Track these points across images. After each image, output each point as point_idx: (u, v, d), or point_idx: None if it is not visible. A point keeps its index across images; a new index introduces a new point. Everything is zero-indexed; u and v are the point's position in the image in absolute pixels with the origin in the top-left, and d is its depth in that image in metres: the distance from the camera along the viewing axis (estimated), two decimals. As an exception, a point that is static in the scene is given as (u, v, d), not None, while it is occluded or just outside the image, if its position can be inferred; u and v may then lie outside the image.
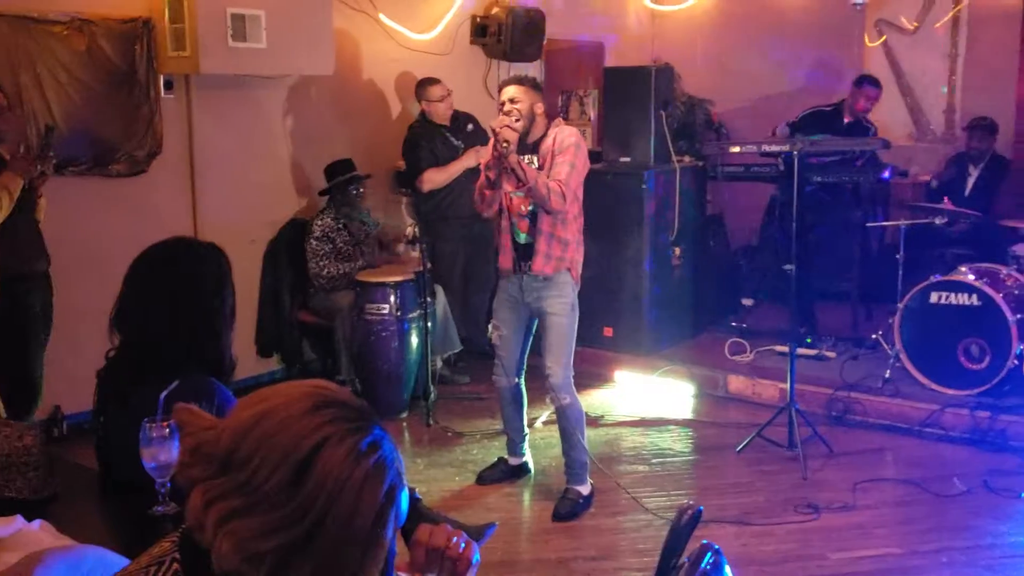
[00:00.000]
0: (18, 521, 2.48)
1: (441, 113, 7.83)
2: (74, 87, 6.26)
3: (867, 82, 8.54)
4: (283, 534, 1.43)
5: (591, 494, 5.66)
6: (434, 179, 7.66)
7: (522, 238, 5.44)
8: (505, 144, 5.04)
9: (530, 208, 5.36)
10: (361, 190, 7.43)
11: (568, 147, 5.28)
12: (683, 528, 1.79)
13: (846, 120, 8.53)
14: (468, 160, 7.67)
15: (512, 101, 5.30)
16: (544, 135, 5.38)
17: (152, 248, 2.96)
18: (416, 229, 6.83)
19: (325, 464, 1.45)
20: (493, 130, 5.16)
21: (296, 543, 1.44)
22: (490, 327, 5.76)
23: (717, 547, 1.75)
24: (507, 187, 5.34)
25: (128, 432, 2.64)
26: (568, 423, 5.54)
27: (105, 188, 6.53)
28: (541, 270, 5.37)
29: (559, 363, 5.44)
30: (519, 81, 5.40)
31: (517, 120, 5.24)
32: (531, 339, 5.71)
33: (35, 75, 6.07)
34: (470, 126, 7.96)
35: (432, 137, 7.76)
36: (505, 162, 5.08)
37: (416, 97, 7.92)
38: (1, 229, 5.35)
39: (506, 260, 5.53)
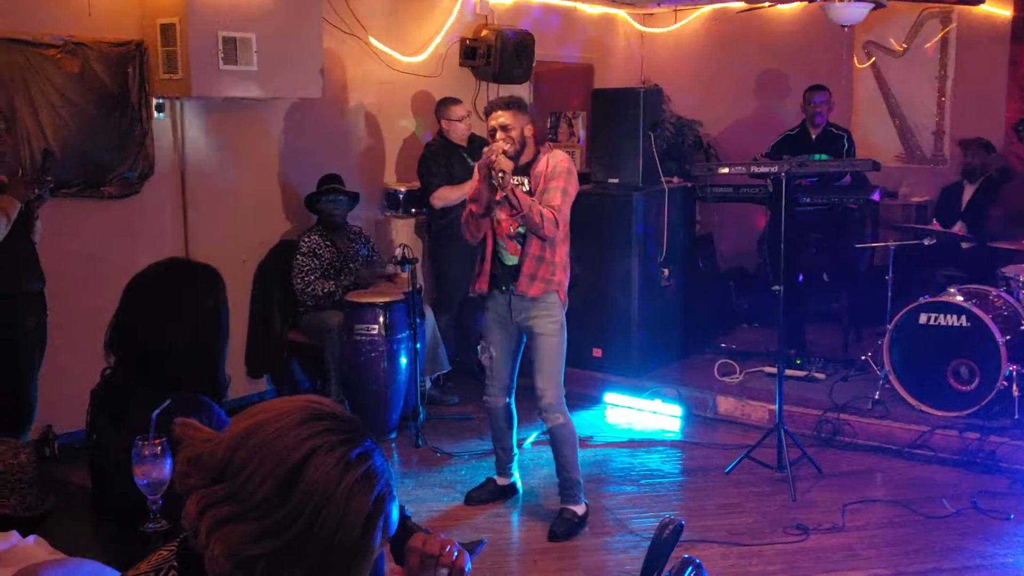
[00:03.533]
0: (13, 537, 2.51)
1: (460, 133, 7.88)
2: (67, 110, 6.29)
3: (810, 91, 8.61)
4: (273, 540, 1.48)
5: (587, 514, 5.65)
6: (446, 196, 7.67)
7: (510, 260, 5.43)
8: (501, 174, 5.03)
9: (518, 230, 5.36)
10: (341, 198, 7.39)
11: (560, 173, 5.29)
12: (664, 542, 1.81)
13: (814, 135, 8.55)
14: None
15: (504, 128, 5.30)
16: (535, 158, 5.39)
17: (149, 268, 2.96)
18: (405, 250, 6.82)
19: (314, 473, 1.50)
20: (489, 159, 5.11)
21: (285, 549, 1.49)
22: (479, 347, 5.76)
23: (698, 561, 1.78)
24: (500, 215, 5.34)
25: (122, 450, 2.66)
26: (562, 444, 5.53)
27: (97, 210, 6.55)
28: (525, 291, 5.36)
29: (551, 383, 5.44)
30: (507, 105, 5.37)
31: (510, 146, 5.25)
32: (520, 359, 5.72)
33: (29, 98, 6.09)
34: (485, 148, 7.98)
35: (448, 156, 7.80)
36: (501, 190, 5.05)
37: (436, 115, 7.97)
38: (-1, 250, 5.38)
39: (484, 282, 5.52)
